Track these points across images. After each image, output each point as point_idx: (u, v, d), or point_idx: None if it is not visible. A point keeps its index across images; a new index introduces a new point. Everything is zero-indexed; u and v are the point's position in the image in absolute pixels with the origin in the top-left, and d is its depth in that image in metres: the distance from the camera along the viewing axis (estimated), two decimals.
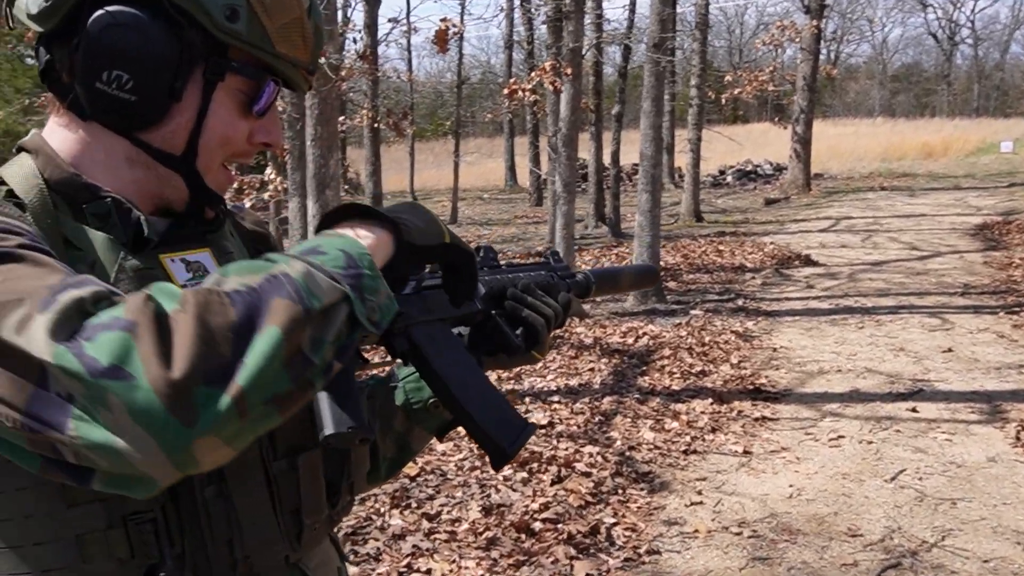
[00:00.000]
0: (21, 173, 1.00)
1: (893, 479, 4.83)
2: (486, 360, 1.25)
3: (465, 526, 4.18)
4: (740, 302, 9.84)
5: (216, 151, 1.06)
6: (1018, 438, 5.31)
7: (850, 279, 11.12)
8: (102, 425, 0.73)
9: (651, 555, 4.04)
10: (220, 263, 1.10)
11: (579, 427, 5.61)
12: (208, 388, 0.74)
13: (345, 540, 4.02)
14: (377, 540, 4.04)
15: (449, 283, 1.13)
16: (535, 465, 4.87)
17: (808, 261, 12.47)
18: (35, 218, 0.95)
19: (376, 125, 17.96)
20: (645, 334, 8.26)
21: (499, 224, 20.64)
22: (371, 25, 17.99)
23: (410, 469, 4.81)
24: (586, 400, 6.18)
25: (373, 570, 3.78)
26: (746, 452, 5.30)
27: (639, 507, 4.52)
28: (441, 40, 8.65)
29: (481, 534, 4.10)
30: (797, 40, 20.03)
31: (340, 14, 14.41)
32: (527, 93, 10.54)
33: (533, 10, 20.17)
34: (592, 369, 7.11)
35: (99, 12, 0.97)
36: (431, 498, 4.50)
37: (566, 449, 5.15)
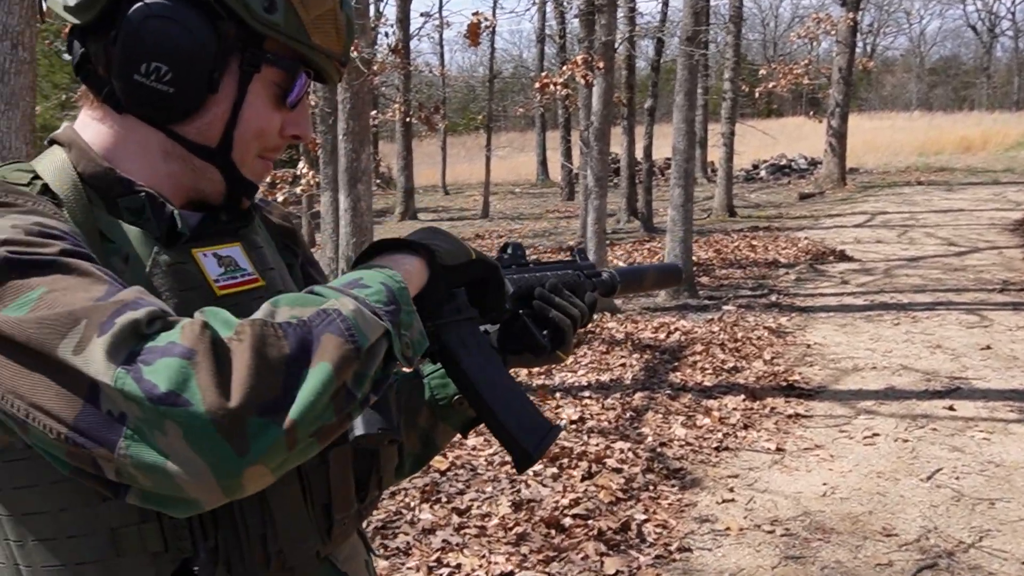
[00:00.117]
0: (54, 166, 1.00)
1: (929, 478, 4.77)
2: (511, 358, 1.26)
3: (495, 521, 4.18)
4: (773, 298, 9.77)
5: (251, 143, 1.06)
6: None
7: (886, 275, 10.99)
8: (154, 447, 0.74)
9: (682, 552, 4.02)
10: (250, 257, 1.10)
11: (610, 423, 5.60)
12: (261, 419, 0.76)
13: (375, 534, 4.04)
14: (407, 534, 4.05)
15: (478, 297, 1.16)
16: (565, 461, 4.86)
17: (843, 256, 12.35)
18: (70, 213, 0.95)
19: (408, 119, 18.03)
20: (677, 329, 8.22)
21: (530, 218, 20.62)
22: (403, 19, 18.04)
23: (440, 464, 4.81)
24: (617, 395, 6.16)
25: (403, 564, 3.79)
26: (779, 449, 5.25)
27: (670, 504, 4.50)
28: (473, 34, 8.65)
29: (511, 529, 4.09)
30: (833, 33, 19.87)
31: (372, 8, 14.44)
32: (559, 87, 10.51)
33: (565, 4, 20.11)
34: (623, 364, 7.08)
35: (139, 4, 0.97)
36: (461, 493, 4.51)
37: (597, 445, 5.13)
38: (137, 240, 0.99)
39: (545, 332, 1.24)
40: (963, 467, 4.90)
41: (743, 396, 6.18)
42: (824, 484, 4.74)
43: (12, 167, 1.00)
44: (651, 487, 4.66)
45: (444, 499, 4.42)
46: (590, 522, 4.17)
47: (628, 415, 5.77)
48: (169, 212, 1.01)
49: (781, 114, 44.39)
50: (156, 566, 0.93)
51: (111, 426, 0.74)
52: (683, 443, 5.32)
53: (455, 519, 4.19)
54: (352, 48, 1.12)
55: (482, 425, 1.27)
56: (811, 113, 25.96)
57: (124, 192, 1.00)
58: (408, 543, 3.96)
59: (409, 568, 3.76)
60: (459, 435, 1.35)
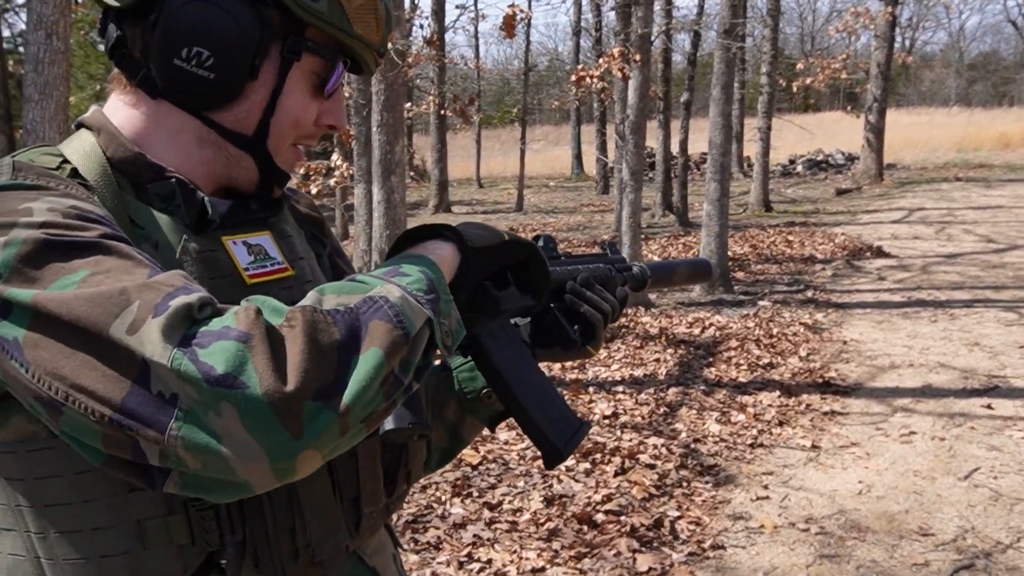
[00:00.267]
0: (83, 151, 0.98)
1: (967, 477, 4.69)
2: (540, 352, 1.25)
3: (527, 516, 4.16)
4: (810, 293, 9.67)
5: (287, 132, 1.05)
6: None
7: (923, 271, 10.85)
8: (207, 429, 0.74)
9: (715, 550, 3.98)
10: (279, 246, 1.09)
11: (643, 418, 5.56)
12: (316, 403, 0.76)
13: (406, 528, 4.03)
14: (438, 529, 4.04)
15: (522, 279, 1.16)
16: (598, 456, 4.83)
17: (880, 252, 12.20)
18: (100, 198, 0.94)
19: (442, 112, 18.05)
20: (712, 325, 8.17)
21: (565, 212, 20.57)
22: (439, 11, 18.07)
23: (472, 458, 4.80)
24: (651, 391, 6.13)
25: (433, 559, 3.78)
26: (814, 446, 5.19)
27: (704, 500, 4.46)
28: (509, 26, 8.63)
29: (542, 525, 4.07)
30: (871, 27, 19.63)
31: (408, 0, 14.47)
32: (594, 80, 10.48)
33: None
34: (657, 359, 7.04)
35: None
36: (493, 487, 4.49)
37: (630, 440, 5.10)
38: (167, 227, 0.98)
39: (576, 327, 1.24)
40: (1001, 466, 4.82)
41: (778, 392, 6.12)
42: (860, 482, 4.67)
43: (40, 150, 0.98)
44: (684, 483, 4.62)
45: (475, 493, 4.41)
46: (623, 518, 4.14)
47: (662, 411, 5.73)
48: (199, 199, 1.00)
49: (818, 109, 44.00)
50: (182, 559, 0.92)
51: (162, 407, 0.74)
52: (717, 439, 5.27)
53: (486, 514, 4.18)
54: (388, 39, 1.11)
55: (512, 419, 1.26)
56: (848, 108, 25.69)
57: (154, 178, 0.99)
58: (439, 537, 3.95)
59: (440, 563, 3.75)
60: (487, 429, 1.34)
